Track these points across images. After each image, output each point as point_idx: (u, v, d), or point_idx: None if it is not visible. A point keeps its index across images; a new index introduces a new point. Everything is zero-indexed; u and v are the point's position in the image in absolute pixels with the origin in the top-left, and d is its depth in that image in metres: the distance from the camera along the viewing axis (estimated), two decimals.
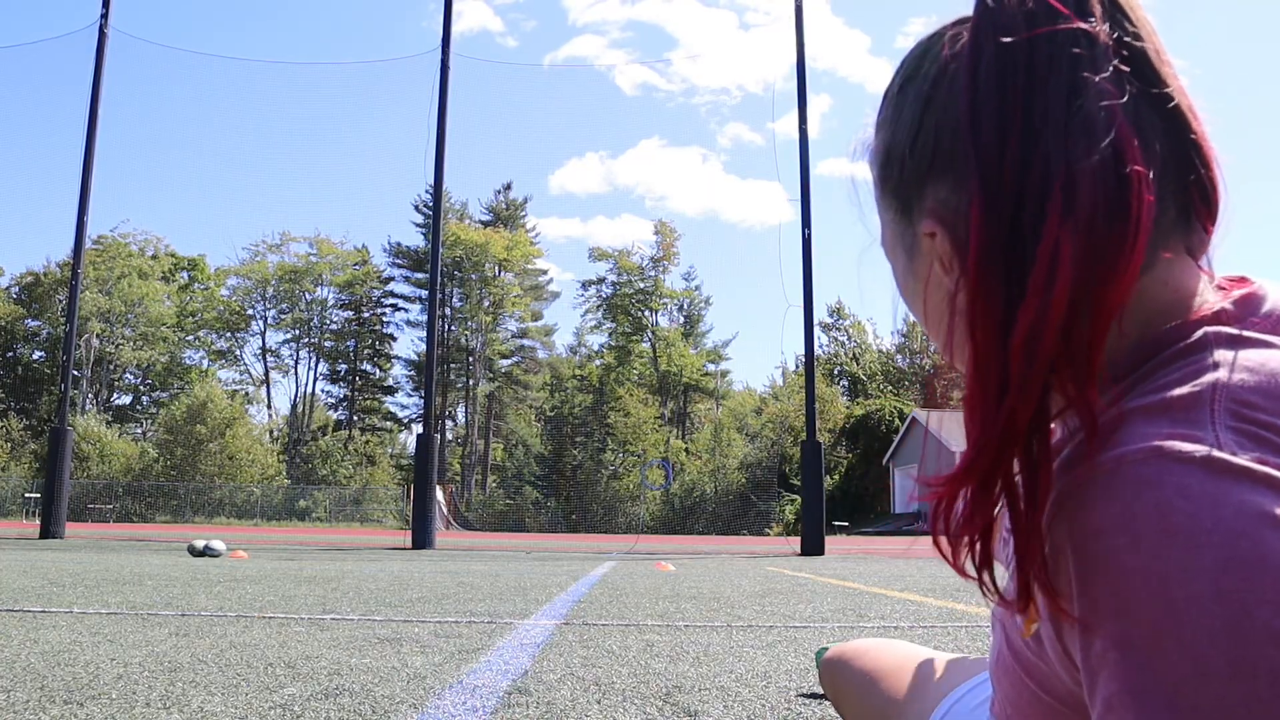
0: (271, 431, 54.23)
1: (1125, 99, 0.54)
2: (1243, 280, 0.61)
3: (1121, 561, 0.47)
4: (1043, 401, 0.53)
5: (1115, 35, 0.56)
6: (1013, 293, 0.53)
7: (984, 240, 0.55)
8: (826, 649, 1.51)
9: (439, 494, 29.82)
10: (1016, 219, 0.54)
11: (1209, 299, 0.59)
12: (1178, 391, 0.52)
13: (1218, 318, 0.57)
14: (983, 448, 0.54)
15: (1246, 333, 0.56)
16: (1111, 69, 0.55)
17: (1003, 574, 0.60)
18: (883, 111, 0.69)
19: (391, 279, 60.25)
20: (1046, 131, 0.53)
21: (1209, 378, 0.52)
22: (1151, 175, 0.54)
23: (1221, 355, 0.54)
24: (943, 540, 0.57)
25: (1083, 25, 0.55)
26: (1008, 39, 0.55)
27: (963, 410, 0.56)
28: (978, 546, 0.56)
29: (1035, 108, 0.54)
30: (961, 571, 0.57)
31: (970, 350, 0.56)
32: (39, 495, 19.36)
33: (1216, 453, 0.48)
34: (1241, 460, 0.48)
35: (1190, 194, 0.59)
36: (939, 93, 0.62)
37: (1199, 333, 0.56)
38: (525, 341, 61.03)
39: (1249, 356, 0.53)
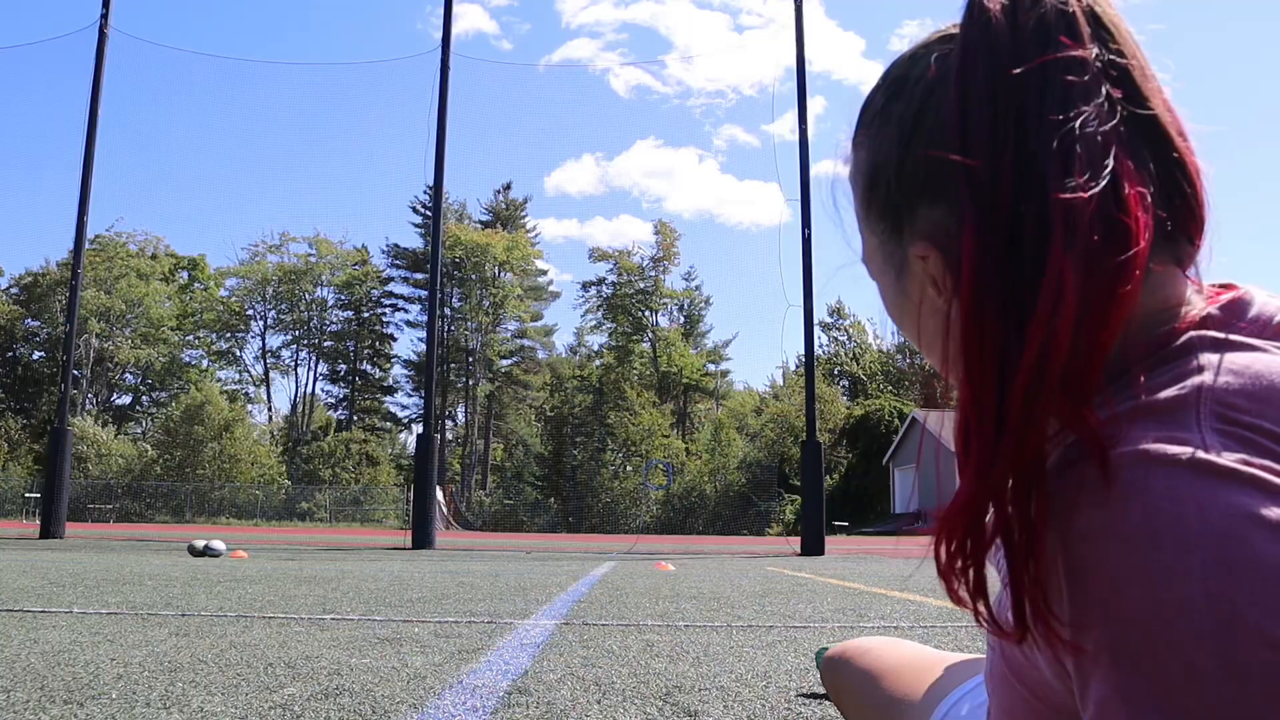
0: (272, 433, 54.19)
1: (1118, 122, 0.54)
2: (1229, 286, 0.61)
3: (1111, 565, 0.47)
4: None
5: (1103, 56, 0.55)
6: (1010, 324, 0.52)
7: (977, 269, 0.54)
8: (827, 649, 1.51)
9: (439, 494, 29.82)
10: (1013, 247, 0.53)
11: (1196, 305, 0.59)
12: (1163, 395, 0.52)
13: (1204, 323, 0.57)
14: (980, 485, 0.52)
15: (1232, 336, 0.56)
16: (1104, 93, 0.54)
17: (995, 584, 0.59)
18: (865, 127, 0.68)
19: (391, 279, 60.34)
20: (1042, 159, 0.52)
21: (1194, 381, 0.52)
22: (1148, 197, 0.54)
23: (1206, 359, 0.54)
24: (943, 568, 0.56)
25: (1075, 51, 0.54)
26: (1000, 64, 0.54)
27: (955, 440, 0.55)
28: (972, 576, 0.55)
29: (1029, 134, 0.53)
30: (958, 600, 0.56)
31: (964, 382, 0.54)
32: (39, 495, 19.35)
33: (1203, 454, 0.48)
34: (1228, 462, 0.47)
35: (1178, 208, 0.58)
36: (927, 115, 0.61)
37: (1184, 337, 0.56)
38: (525, 342, 61.05)
39: (1234, 359, 0.53)
